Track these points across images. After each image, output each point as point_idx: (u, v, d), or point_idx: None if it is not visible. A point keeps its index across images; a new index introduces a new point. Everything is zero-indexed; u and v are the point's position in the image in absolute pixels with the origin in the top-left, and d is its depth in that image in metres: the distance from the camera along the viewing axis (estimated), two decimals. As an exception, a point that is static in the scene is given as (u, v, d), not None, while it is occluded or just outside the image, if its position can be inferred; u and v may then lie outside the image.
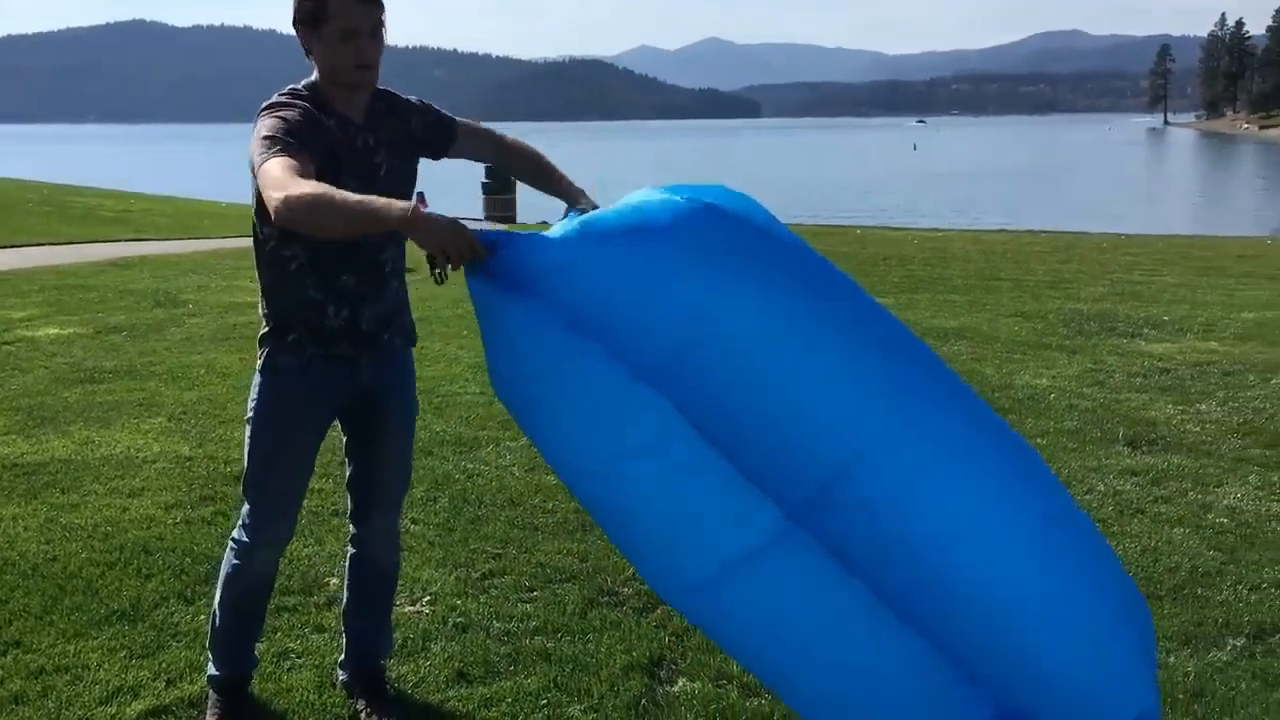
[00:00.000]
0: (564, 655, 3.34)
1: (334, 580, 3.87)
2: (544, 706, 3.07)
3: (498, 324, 2.37)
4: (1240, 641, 3.41)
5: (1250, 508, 4.59)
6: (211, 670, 3.05)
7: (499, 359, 2.40)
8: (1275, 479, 4.95)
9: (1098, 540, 2.43)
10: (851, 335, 2.32)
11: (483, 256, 2.28)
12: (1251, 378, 6.95)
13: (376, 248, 2.78)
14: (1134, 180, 57.19)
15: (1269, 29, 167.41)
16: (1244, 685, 3.15)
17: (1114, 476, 5.01)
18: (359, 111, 2.74)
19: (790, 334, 2.26)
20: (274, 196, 2.35)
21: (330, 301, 2.76)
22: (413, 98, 2.90)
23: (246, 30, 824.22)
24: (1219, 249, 15.96)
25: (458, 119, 2.95)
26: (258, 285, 2.87)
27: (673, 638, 3.45)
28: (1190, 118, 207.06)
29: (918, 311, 9.50)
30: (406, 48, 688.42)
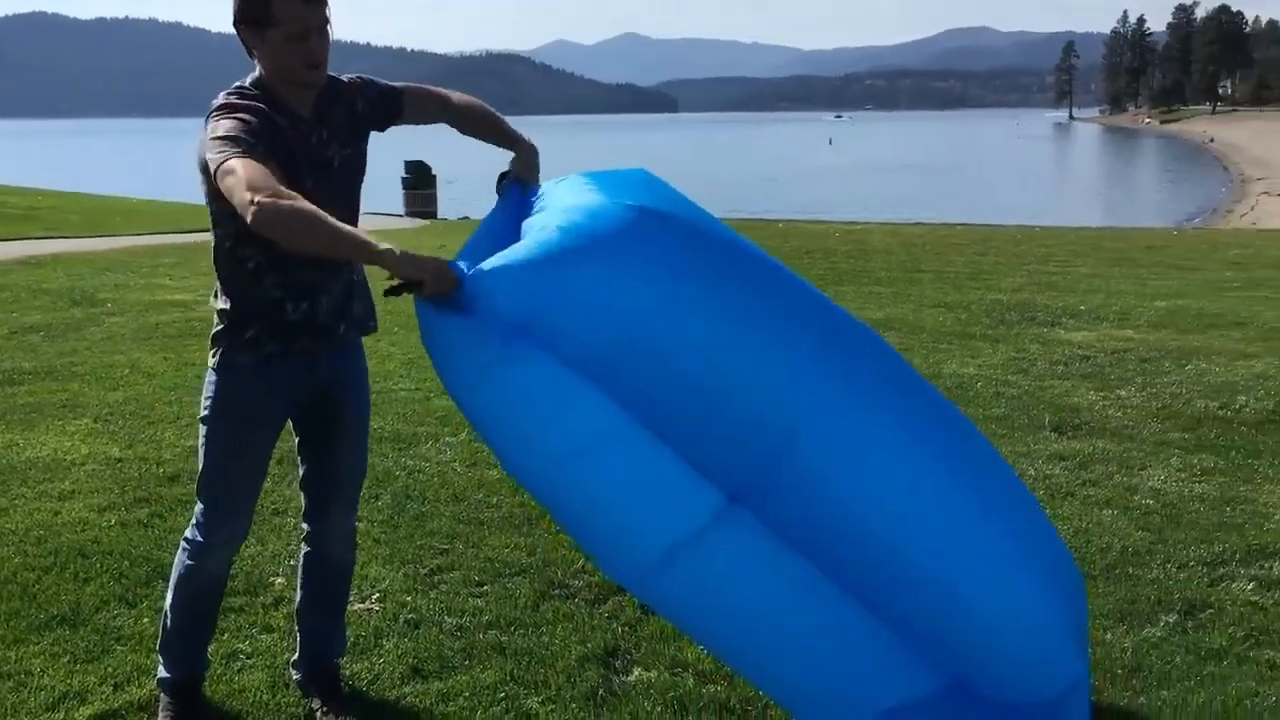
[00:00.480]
0: (518, 648, 3.35)
1: (279, 580, 3.83)
2: (501, 700, 3.08)
3: (444, 335, 2.45)
4: (1173, 618, 3.54)
5: (1174, 489, 4.75)
6: (162, 673, 3.00)
7: (449, 366, 2.48)
8: (1195, 461, 5.13)
9: (1036, 514, 2.59)
10: (783, 320, 2.46)
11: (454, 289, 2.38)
12: (1167, 364, 7.18)
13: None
14: (1044, 174, 58.56)
15: (1169, 26, 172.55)
16: (1178, 659, 3.27)
17: (1043, 461, 5.15)
18: (308, 106, 2.71)
19: (722, 324, 2.38)
20: (248, 198, 2.34)
21: (289, 298, 2.74)
22: (350, 76, 2.86)
23: (151, 23, 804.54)
24: (1129, 240, 16.42)
25: (400, 87, 2.91)
26: (215, 282, 2.83)
27: (626, 628, 3.48)
28: (1095, 113, 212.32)
29: (844, 303, 9.55)
30: (340, 43, 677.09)
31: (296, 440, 2.99)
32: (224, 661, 3.25)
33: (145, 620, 3.52)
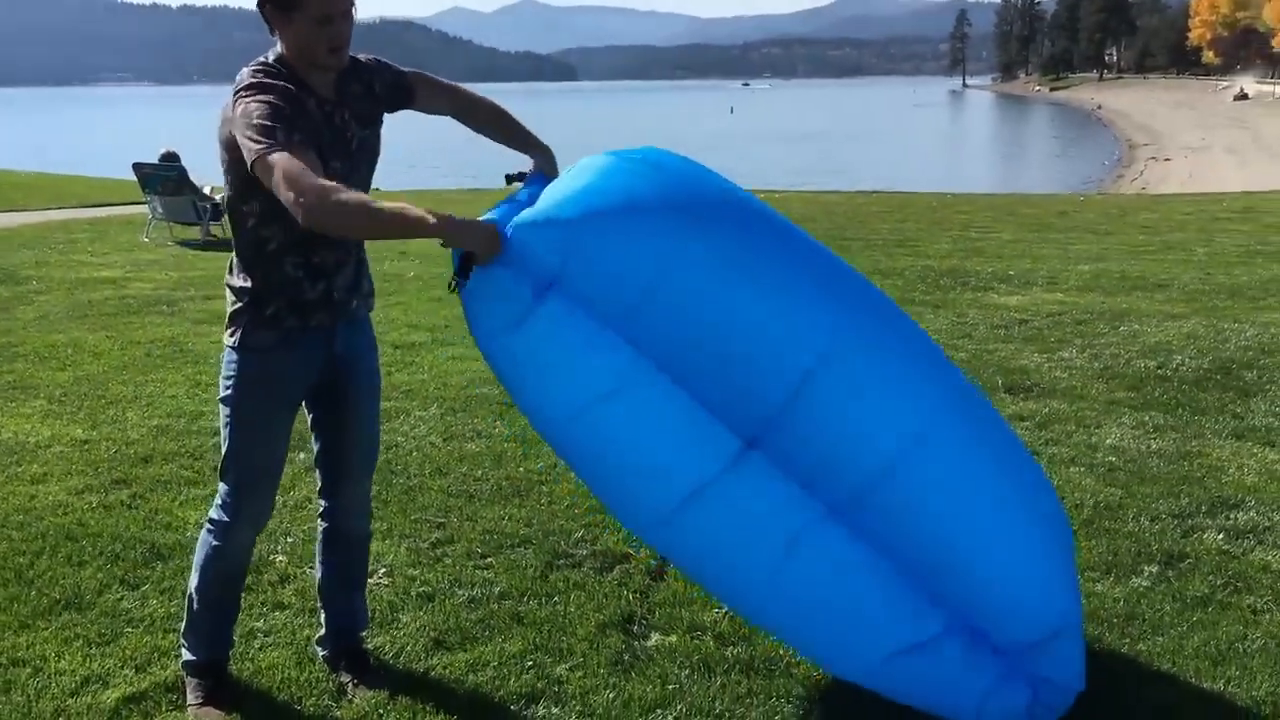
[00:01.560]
0: (537, 618, 3.39)
1: (281, 558, 3.81)
2: (530, 668, 3.12)
3: (477, 288, 2.56)
4: (1155, 568, 3.72)
5: (1132, 446, 4.96)
6: (187, 656, 2.99)
7: (479, 317, 2.64)
8: (1146, 419, 5.36)
9: (1027, 457, 2.79)
10: (787, 265, 2.62)
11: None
12: (1101, 326, 7.44)
13: None
14: (944, 141, 59.67)
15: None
16: (1168, 608, 3.44)
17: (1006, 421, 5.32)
18: (329, 87, 2.71)
19: (733, 271, 2.53)
20: (293, 197, 2.39)
21: (308, 278, 2.76)
22: (368, 57, 2.85)
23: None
24: (1042, 206, 16.88)
25: (412, 74, 2.92)
26: (232, 257, 2.80)
27: (636, 595, 3.54)
28: (987, 80, 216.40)
29: (782, 271, 9.78)
30: (207, 7, 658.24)
31: (310, 418, 2.98)
32: (243, 640, 3.24)
33: (153, 602, 3.48)
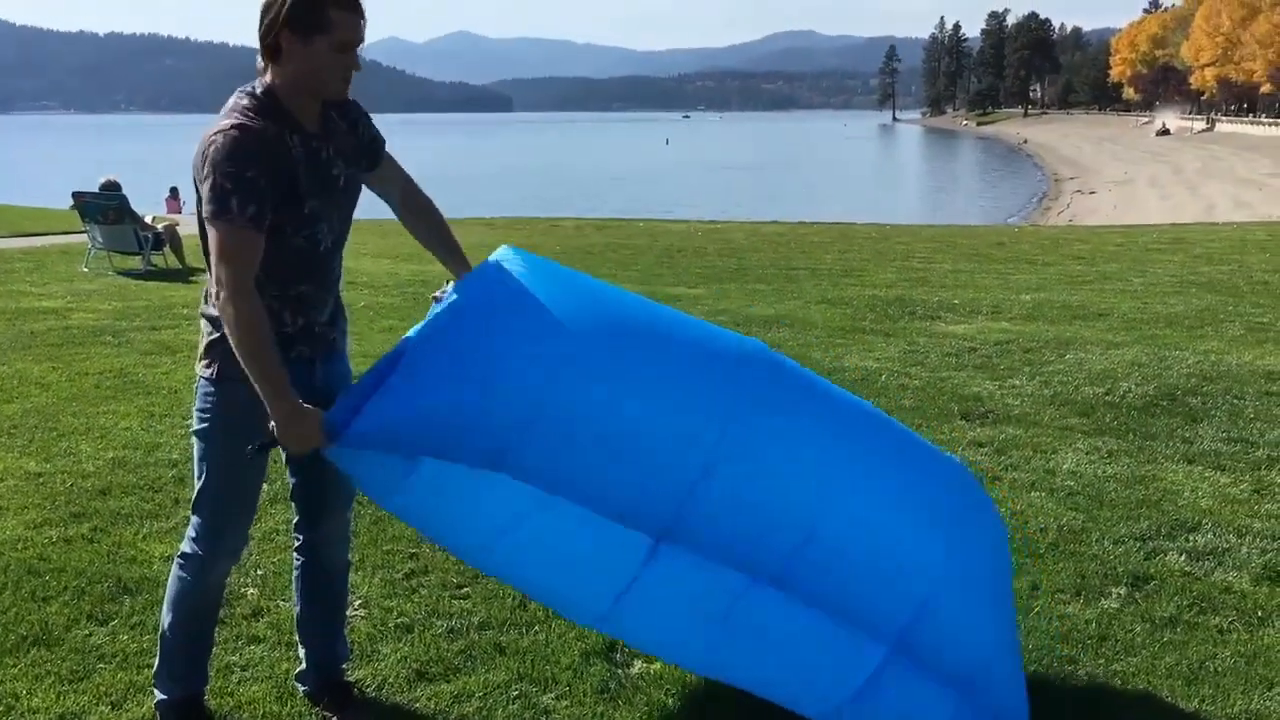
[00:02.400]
0: (519, 647, 3.38)
1: (252, 590, 3.75)
2: (517, 698, 3.10)
3: (351, 461, 2.57)
4: (1122, 590, 3.80)
5: (1089, 471, 5.07)
6: (160, 695, 2.92)
7: (363, 483, 2.67)
8: (1100, 444, 5.48)
9: (952, 485, 2.80)
10: (669, 359, 2.61)
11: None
12: (1048, 354, 7.60)
13: (331, 253, 2.76)
14: (878, 174, 60.57)
15: (982, 32, 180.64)
16: (1138, 629, 3.51)
17: (964, 448, 5.42)
18: (315, 119, 2.67)
19: (615, 381, 2.53)
20: (219, 282, 2.48)
21: (286, 310, 2.72)
22: (359, 108, 2.82)
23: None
24: (978, 237, 17.21)
25: (384, 147, 2.88)
26: (208, 290, 2.76)
27: (617, 623, 3.54)
28: (916, 115, 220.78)
29: (733, 300, 9.87)
30: (135, 34, 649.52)
31: (285, 453, 2.93)
32: (220, 675, 3.18)
33: (123, 637, 3.40)
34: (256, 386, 2.51)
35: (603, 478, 2.47)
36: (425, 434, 2.43)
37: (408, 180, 2.95)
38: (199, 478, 2.80)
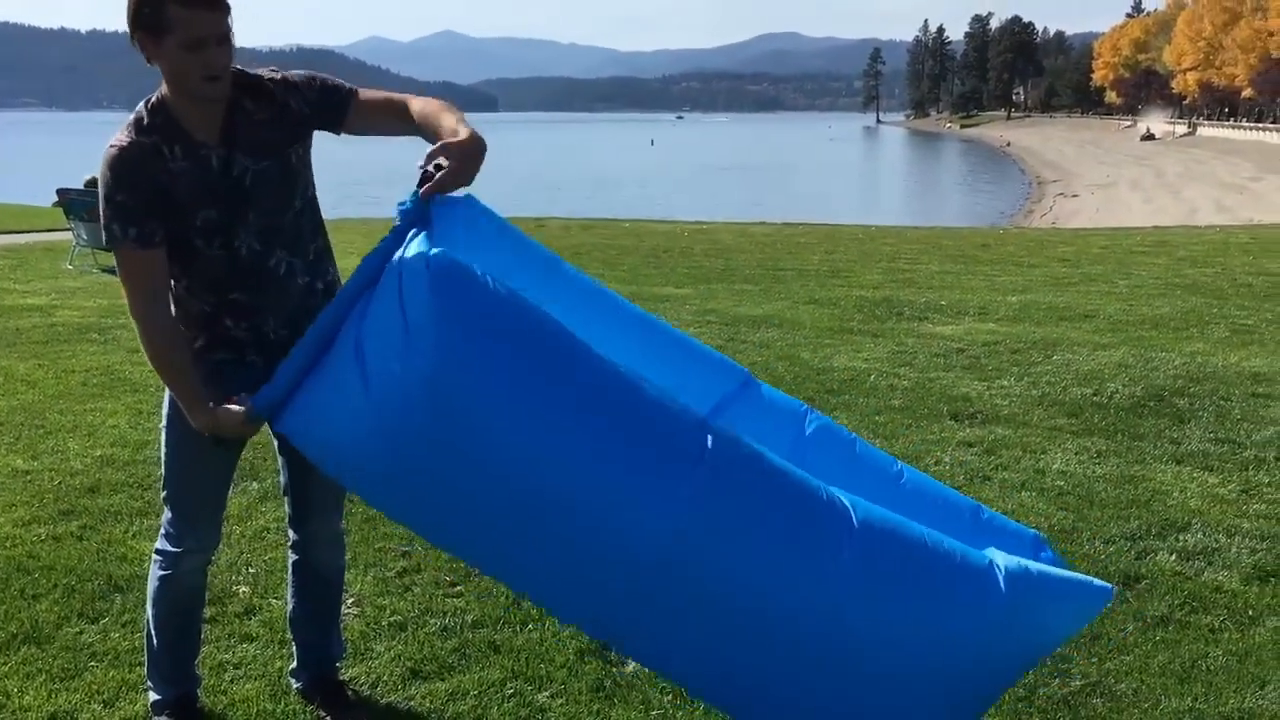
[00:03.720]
0: (513, 646, 3.37)
1: (244, 589, 3.74)
2: (511, 696, 3.10)
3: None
4: (1114, 589, 3.81)
5: (1078, 471, 5.09)
6: (154, 696, 2.91)
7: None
8: (1089, 444, 5.50)
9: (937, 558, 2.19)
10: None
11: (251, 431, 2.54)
12: (1035, 355, 7.63)
13: (259, 256, 2.63)
14: (864, 176, 60.75)
15: (966, 35, 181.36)
16: (1130, 627, 3.53)
17: (954, 448, 5.43)
18: (214, 122, 2.55)
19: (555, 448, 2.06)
20: (128, 304, 2.58)
21: (225, 314, 2.65)
22: (290, 74, 2.66)
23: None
24: (964, 239, 17.26)
25: (350, 88, 2.67)
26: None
27: (611, 621, 3.53)
28: (900, 117, 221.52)
29: (720, 301, 9.88)
30: (117, 32, 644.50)
31: (276, 447, 2.93)
32: (213, 673, 3.17)
33: (114, 635, 3.39)
34: (182, 400, 2.60)
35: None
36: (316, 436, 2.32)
37: (403, 105, 2.66)
38: (163, 471, 2.81)
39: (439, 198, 2.29)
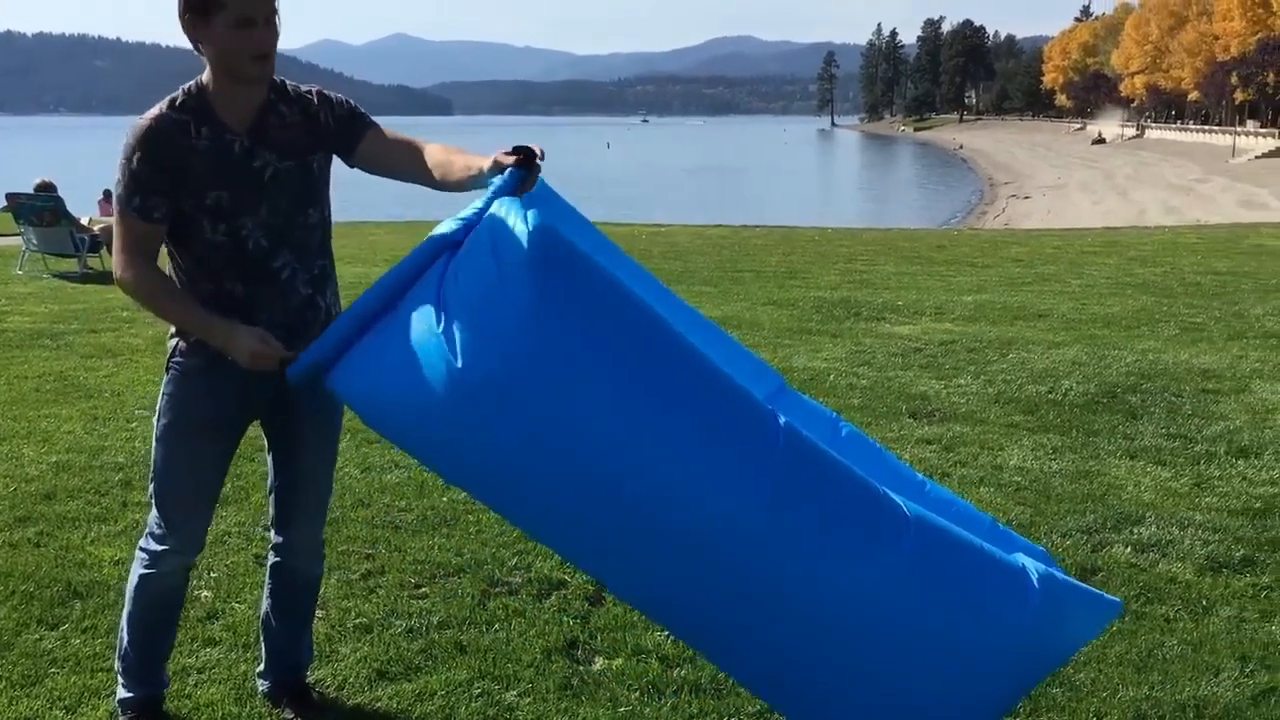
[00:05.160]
0: (479, 646, 3.37)
1: (206, 593, 3.71)
2: (479, 696, 3.10)
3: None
4: (1122, 604, 3.87)
5: (1035, 466, 5.16)
6: (122, 693, 2.90)
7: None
8: (1045, 441, 5.58)
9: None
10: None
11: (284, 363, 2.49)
12: (991, 354, 7.73)
13: (265, 254, 2.66)
14: (819, 178, 61.10)
15: (919, 39, 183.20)
16: (1088, 617, 3.59)
17: (913, 445, 5.49)
18: (244, 113, 2.62)
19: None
20: (114, 266, 2.65)
21: (222, 309, 2.64)
22: (330, 93, 2.76)
23: None
24: (919, 240, 17.42)
25: (370, 121, 2.76)
26: None
27: (577, 620, 3.54)
28: (854, 120, 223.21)
29: (679, 303, 9.90)
30: (64, 35, 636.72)
31: (267, 446, 2.93)
32: (178, 678, 3.13)
33: (75, 641, 3.35)
34: (201, 335, 2.61)
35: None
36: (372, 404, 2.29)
37: (417, 149, 2.69)
38: (151, 468, 2.81)
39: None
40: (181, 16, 2.55)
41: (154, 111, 2.59)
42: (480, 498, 2.46)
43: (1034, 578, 2.24)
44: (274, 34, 2.57)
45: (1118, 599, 2.46)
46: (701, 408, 2.10)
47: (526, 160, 2.37)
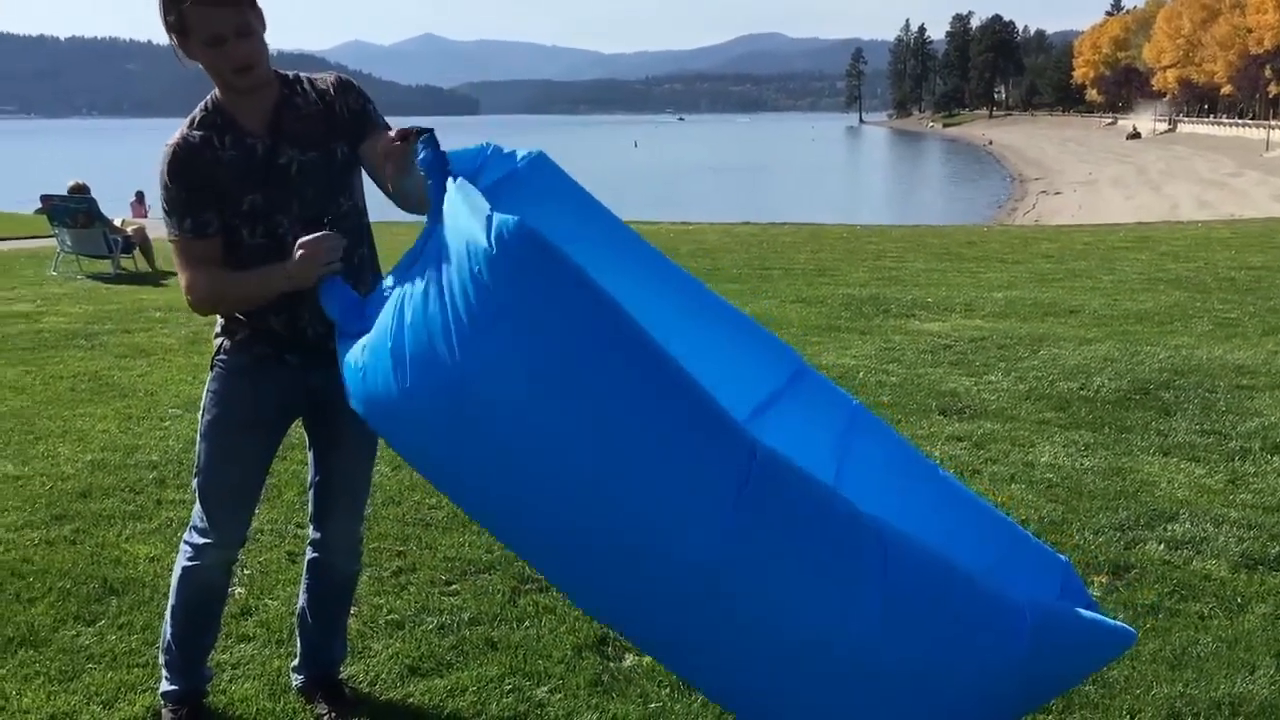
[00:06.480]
0: (510, 642, 3.39)
1: (240, 590, 3.74)
2: (510, 692, 3.11)
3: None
4: (1104, 579, 3.85)
5: (1067, 463, 5.13)
6: (165, 686, 2.94)
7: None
8: (1077, 438, 5.54)
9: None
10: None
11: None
12: (1022, 350, 7.68)
13: None
14: (849, 175, 60.88)
15: (948, 34, 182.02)
16: (1121, 616, 3.55)
17: (943, 442, 5.47)
18: (261, 115, 2.66)
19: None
20: (183, 289, 2.72)
21: (269, 309, 2.69)
22: (348, 80, 2.78)
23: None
24: (948, 237, 17.33)
25: (379, 124, 2.73)
26: None
27: (607, 617, 3.55)
28: (883, 116, 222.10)
29: (707, 300, 9.90)
30: (97, 39, 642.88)
31: (308, 442, 2.96)
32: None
33: (111, 637, 3.39)
34: (274, 291, 2.61)
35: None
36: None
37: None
38: (195, 464, 2.86)
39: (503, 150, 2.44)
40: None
41: (176, 136, 2.64)
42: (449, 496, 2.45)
43: (1027, 618, 2.15)
44: (251, 45, 2.56)
45: (1132, 630, 2.36)
46: (667, 436, 1.99)
47: (408, 137, 2.40)
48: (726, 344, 2.64)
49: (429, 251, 2.15)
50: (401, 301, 2.14)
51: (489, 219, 1.98)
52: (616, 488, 1.98)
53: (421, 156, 2.28)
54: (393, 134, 2.51)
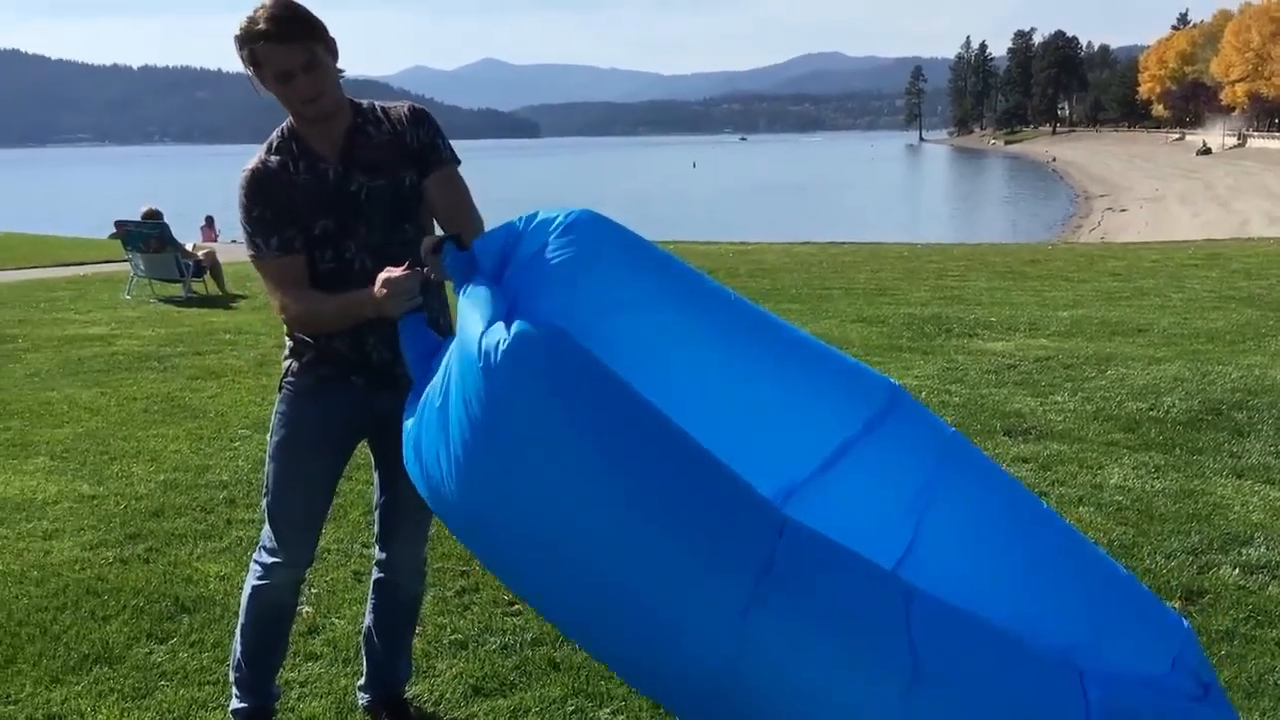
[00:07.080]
0: (573, 663, 3.39)
1: (307, 608, 3.79)
2: (573, 713, 3.12)
3: None
4: (1177, 604, 3.77)
5: (1136, 485, 5.04)
6: (235, 704, 2.98)
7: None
8: (1146, 459, 5.44)
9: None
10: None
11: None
12: (1089, 370, 7.56)
13: (371, 273, 2.67)
14: (909, 194, 60.46)
15: (1009, 51, 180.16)
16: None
17: (1008, 464, 5.40)
18: (333, 142, 2.73)
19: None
20: (275, 309, 2.80)
21: (337, 334, 2.76)
22: (422, 111, 2.83)
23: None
24: (1011, 255, 17.14)
25: (444, 158, 2.79)
26: None
27: (669, 638, 3.55)
28: (943, 134, 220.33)
29: (768, 321, 9.88)
30: (169, 67, 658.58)
31: (373, 463, 3.00)
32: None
33: (183, 655, 3.45)
34: (359, 316, 2.65)
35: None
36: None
37: (456, 205, 2.77)
38: (264, 484, 2.93)
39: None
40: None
41: (253, 161, 2.72)
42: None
43: (1086, 692, 1.96)
44: (319, 78, 2.63)
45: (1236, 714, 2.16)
46: (673, 537, 1.94)
47: (437, 249, 2.47)
48: (809, 379, 2.49)
49: (451, 359, 2.20)
50: (429, 398, 2.25)
51: (480, 339, 2.04)
52: (621, 595, 2.01)
53: (446, 263, 2.40)
54: (426, 244, 2.54)
